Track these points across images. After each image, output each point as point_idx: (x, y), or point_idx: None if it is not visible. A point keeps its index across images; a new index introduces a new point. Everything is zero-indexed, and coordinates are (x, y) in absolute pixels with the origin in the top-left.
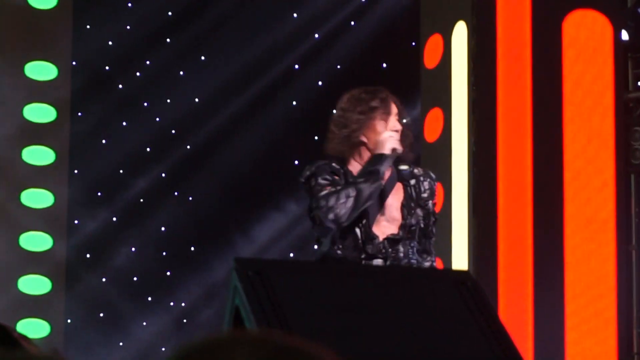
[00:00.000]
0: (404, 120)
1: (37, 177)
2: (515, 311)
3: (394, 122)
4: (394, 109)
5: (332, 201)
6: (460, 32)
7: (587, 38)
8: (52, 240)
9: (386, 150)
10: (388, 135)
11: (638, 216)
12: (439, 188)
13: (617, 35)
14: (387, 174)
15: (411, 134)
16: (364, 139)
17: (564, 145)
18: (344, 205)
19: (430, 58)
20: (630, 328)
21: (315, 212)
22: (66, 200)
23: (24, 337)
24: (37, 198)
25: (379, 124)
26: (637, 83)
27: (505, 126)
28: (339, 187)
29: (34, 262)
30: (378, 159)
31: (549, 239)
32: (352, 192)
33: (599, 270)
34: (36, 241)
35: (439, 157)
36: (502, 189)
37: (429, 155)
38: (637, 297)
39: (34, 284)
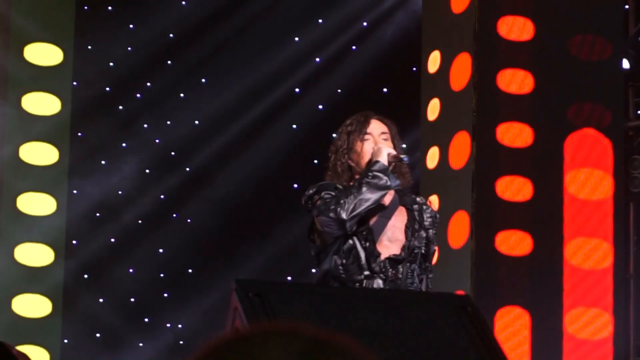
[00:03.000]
0: (403, 145)
1: (37, 198)
2: (513, 337)
3: (379, 142)
4: (376, 129)
5: (333, 202)
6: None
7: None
8: (53, 258)
9: (382, 159)
10: (377, 147)
11: (637, 244)
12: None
13: (618, 63)
14: (389, 197)
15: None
16: (352, 163)
17: (564, 172)
18: (344, 203)
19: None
20: (627, 313)
21: (319, 219)
22: (65, 221)
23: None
24: (37, 220)
25: (358, 145)
26: (637, 111)
27: (506, 151)
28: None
29: (32, 281)
30: (374, 164)
31: (549, 265)
32: (352, 191)
33: (598, 299)
34: (35, 259)
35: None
36: (502, 214)
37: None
38: (634, 327)
39: (32, 304)
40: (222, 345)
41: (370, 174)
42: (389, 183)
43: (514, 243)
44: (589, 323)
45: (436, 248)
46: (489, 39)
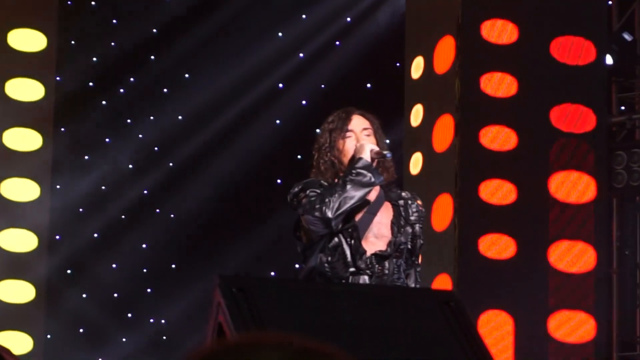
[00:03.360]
0: (387, 141)
1: (19, 191)
2: (497, 331)
3: (361, 138)
4: (357, 125)
5: (317, 201)
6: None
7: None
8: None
9: (365, 155)
10: (359, 144)
11: (619, 240)
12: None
13: (601, 59)
14: (375, 193)
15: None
16: (335, 160)
17: (550, 168)
18: (329, 201)
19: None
20: (610, 352)
21: (304, 217)
22: (48, 215)
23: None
24: (20, 205)
25: (340, 143)
26: (620, 107)
27: (490, 146)
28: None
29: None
30: (357, 161)
31: (532, 260)
32: (337, 189)
33: (580, 293)
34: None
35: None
36: (486, 208)
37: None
38: (617, 321)
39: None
40: (212, 355)
41: (354, 171)
42: (373, 180)
43: (498, 247)
44: (572, 325)
45: (422, 242)
46: (472, 30)
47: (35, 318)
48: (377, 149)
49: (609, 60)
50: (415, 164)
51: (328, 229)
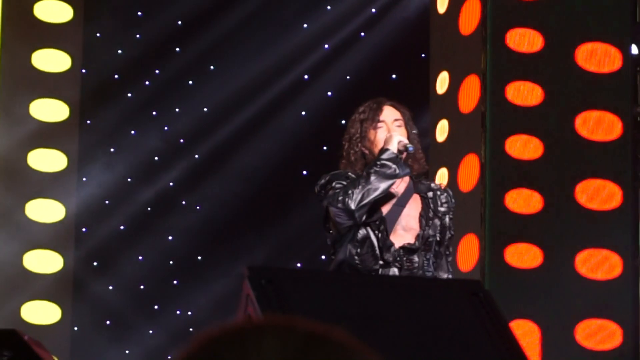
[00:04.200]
0: (414, 131)
1: (46, 184)
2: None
3: (392, 129)
4: (389, 116)
5: (341, 193)
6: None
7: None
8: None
9: (392, 146)
10: (389, 135)
11: None
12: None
13: (627, 49)
14: (404, 185)
15: (420, 148)
16: (365, 151)
17: (575, 157)
18: (352, 193)
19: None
20: (636, 324)
21: (330, 210)
22: (74, 208)
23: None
24: (46, 205)
25: (371, 133)
26: None
27: (516, 137)
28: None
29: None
30: (383, 152)
31: (558, 250)
32: (360, 181)
33: (607, 285)
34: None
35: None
36: (512, 198)
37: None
38: None
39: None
40: (215, 340)
41: (378, 162)
42: (397, 172)
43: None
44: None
45: (452, 234)
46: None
47: (62, 313)
48: (405, 141)
49: (634, 50)
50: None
51: (352, 221)
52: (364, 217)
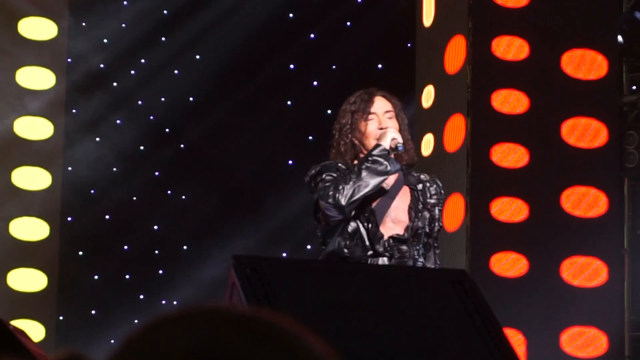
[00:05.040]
0: (405, 122)
1: (31, 173)
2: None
3: (384, 120)
4: (380, 107)
5: (332, 187)
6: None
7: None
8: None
9: (386, 142)
10: (383, 131)
11: (631, 220)
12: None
13: (613, 39)
14: (394, 177)
15: (410, 138)
16: (356, 142)
17: (560, 147)
18: (343, 189)
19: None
20: (622, 331)
21: (320, 203)
22: (60, 197)
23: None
24: (32, 194)
25: (362, 125)
26: (631, 87)
27: (501, 130)
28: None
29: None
30: (375, 148)
31: (543, 239)
32: (351, 177)
33: (592, 273)
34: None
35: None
36: (498, 187)
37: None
38: (628, 301)
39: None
40: (138, 332)
41: (370, 158)
42: (389, 168)
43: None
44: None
45: (441, 226)
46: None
47: (47, 306)
48: (399, 139)
49: (619, 39)
50: (427, 145)
51: (342, 215)
52: (353, 212)
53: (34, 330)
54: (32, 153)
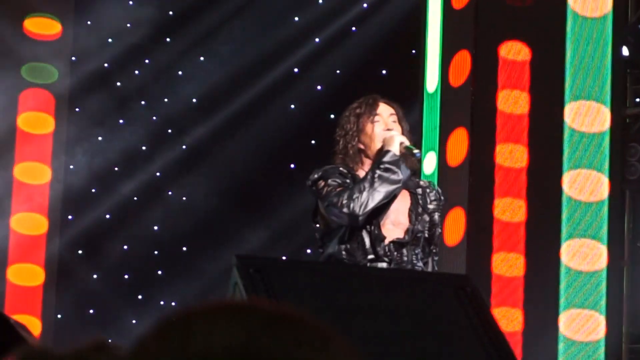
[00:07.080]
0: (407, 128)
1: (33, 169)
2: (507, 319)
3: (389, 124)
4: (384, 111)
5: (345, 196)
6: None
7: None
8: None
9: (394, 147)
10: (389, 134)
11: (632, 232)
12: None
13: (617, 51)
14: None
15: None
16: (361, 146)
17: (562, 159)
18: (357, 198)
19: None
20: (619, 342)
21: (329, 209)
22: (60, 194)
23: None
24: (32, 191)
25: (369, 127)
26: (635, 99)
27: (503, 138)
28: (350, 186)
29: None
30: (385, 154)
31: (544, 250)
32: (365, 185)
33: (592, 285)
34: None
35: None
36: (498, 199)
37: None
38: (627, 312)
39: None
40: (168, 323)
41: (382, 166)
42: (401, 176)
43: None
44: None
45: (440, 231)
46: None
47: (44, 301)
48: (407, 142)
49: (624, 51)
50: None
51: (353, 224)
52: (364, 222)
53: (30, 326)
54: (34, 149)
